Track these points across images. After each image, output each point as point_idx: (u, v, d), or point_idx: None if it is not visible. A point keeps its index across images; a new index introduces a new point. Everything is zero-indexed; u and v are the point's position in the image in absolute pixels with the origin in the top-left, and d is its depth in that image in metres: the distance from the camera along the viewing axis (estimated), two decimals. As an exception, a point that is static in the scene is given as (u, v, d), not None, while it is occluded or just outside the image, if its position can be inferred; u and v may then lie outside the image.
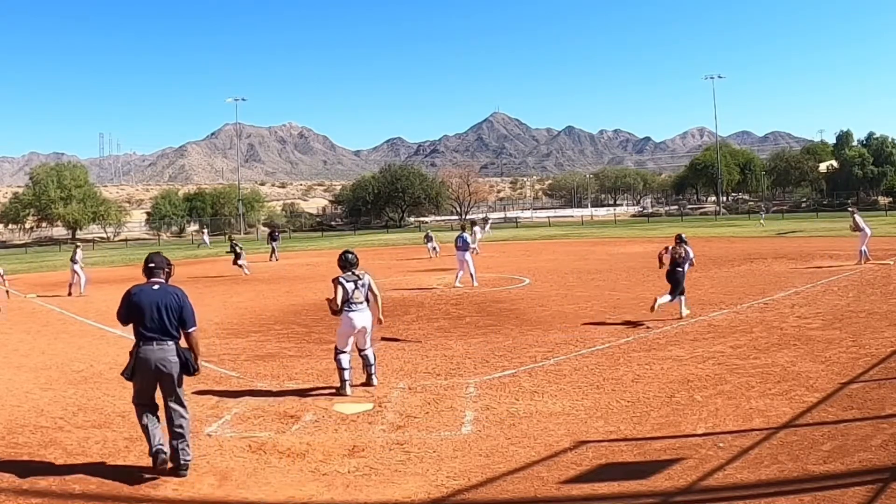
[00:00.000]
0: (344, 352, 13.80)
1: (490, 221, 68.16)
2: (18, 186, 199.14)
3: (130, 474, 9.77)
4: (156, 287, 9.92)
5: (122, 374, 10.09)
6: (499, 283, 32.04)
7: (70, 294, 33.90)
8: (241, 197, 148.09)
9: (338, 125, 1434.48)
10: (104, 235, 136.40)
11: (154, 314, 9.71)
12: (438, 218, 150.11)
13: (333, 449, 10.56)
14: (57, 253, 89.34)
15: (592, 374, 14.42)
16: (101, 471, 9.82)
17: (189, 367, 9.96)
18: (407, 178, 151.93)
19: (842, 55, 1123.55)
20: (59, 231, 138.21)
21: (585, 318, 21.58)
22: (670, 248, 21.51)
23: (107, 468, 10.00)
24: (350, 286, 13.81)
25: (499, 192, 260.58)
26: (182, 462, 9.69)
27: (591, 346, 17.29)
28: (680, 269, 21.18)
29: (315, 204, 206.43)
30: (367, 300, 14.08)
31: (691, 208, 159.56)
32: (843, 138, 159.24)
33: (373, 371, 14.22)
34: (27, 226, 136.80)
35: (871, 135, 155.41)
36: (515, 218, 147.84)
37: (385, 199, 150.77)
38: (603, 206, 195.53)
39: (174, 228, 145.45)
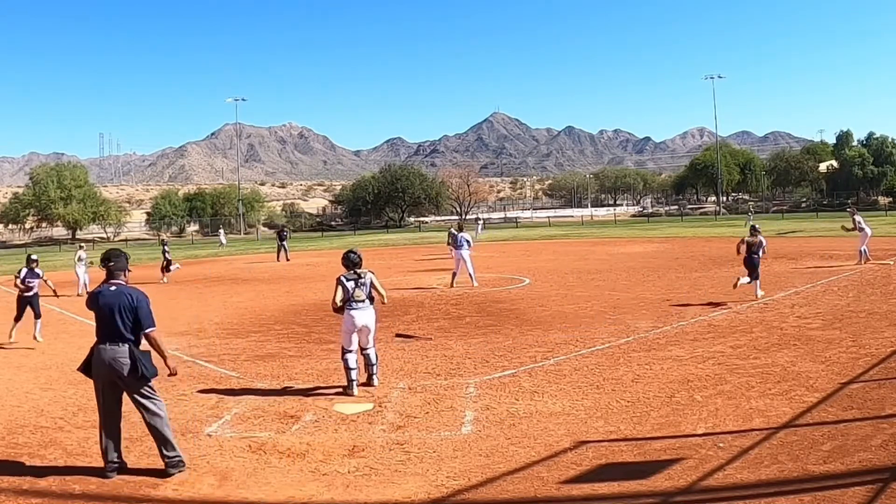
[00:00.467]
0: (350, 351, 13.85)
1: (482, 222, 67.59)
2: (18, 186, 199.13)
3: (130, 474, 9.78)
4: (112, 288, 9.90)
5: (78, 368, 10.22)
6: (499, 283, 32.03)
7: (79, 294, 33.93)
8: (241, 197, 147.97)
9: (338, 125, 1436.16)
10: (104, 235, 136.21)
11: (107, 316, 9.74)
12: (438, 218, 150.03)
13: (333, 449, 10.56)
14: (57, 253, 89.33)
15: (592, 374, 14.42)
16: (101, 471, 9.82)
17: (138, 369, 9.76)
18: (407, 179, 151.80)
19: (842, 55, 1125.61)
20: (60, 231, 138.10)
21: (585, 317, 21.56)
22: (746, 238, 24.45)
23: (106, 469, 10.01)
24: (350, 285, 13.91)
25: (499, 192, 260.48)
26: (166, 460, 9.72)
27: (591, 346, 17.29)
28: (755, 256, 23.97)
29: (315, 204, 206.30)
30: (371, 299, 14.11)
31: (691, 208, 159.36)
32: (843, 138, 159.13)
33: (374, 371, 14.21)
34: (27, 226, 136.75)
35: (871, 135, 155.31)
36: (515, 218, 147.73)
37: (385, 200, 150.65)
38: (603, 206, 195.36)
39: (174, 228, 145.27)
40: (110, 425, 9.80)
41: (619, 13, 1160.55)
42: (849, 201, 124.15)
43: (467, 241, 31.05)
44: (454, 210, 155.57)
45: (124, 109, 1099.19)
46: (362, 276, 14.10)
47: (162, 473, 9.62)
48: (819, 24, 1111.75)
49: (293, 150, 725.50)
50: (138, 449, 10.69)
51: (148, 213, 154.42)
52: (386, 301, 14.78)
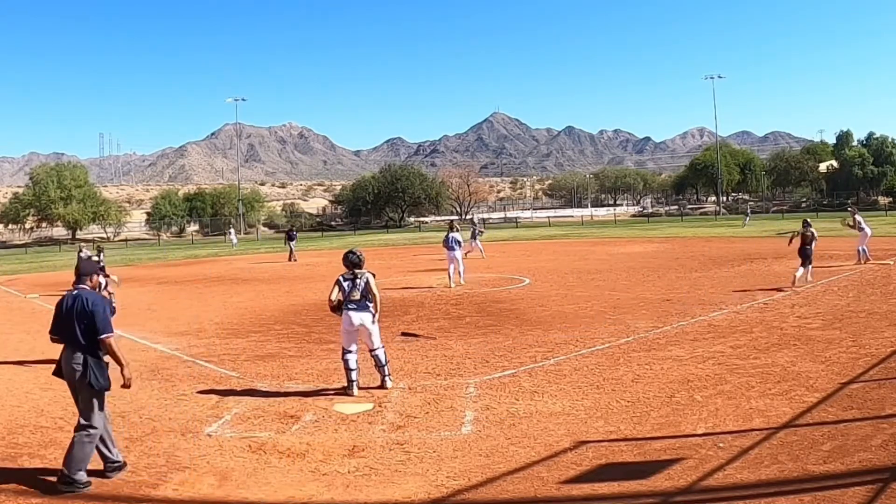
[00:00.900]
0: (350, 351, 13.84)
1: (477, 225, 67.22)
2: (18, 186, 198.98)
3: (130, 474, 9.78)
4: (74, 293, 9.88)
5: (53, 373, 10.24)
6: (499, 283, 32.05)
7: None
8: (241, 197, 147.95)
9: (338, 125, 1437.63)
10: (104, 235, 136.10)
11: (65, 321, 9.70)
12: (438, 218, 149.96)
13: (333, 449, 10.56)
14: (57, 253, 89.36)
15: (592, 374, 14.42)
16: (102, 471, 9.82)
17: (87, 376, 9.64)
18: (407, 178, 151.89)
19: (842, 55, 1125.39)
20: (59, 231, 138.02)
21: (585, 317, 21.56)
22: (800, 231, 27.53)
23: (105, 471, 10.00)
24: (347, 284, 13.97)
25: (499, 192, 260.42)
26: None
27: (591, 346, 17.29)
28: (808, 247, 26.86)
29: (315, 204, 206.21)
30: (367, 299, 14.05)
31: (691, 208, 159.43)
32: (843, 138, 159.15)
33: (386, 372, 14.14)
34: (27, 226, 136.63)
35: (871, 135, 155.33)
36: (515, 218, 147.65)
37: (385, 200, 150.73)
38: (603, 206, 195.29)
39: (174, 228, 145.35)
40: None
41: (619, 13, 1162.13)
42: (849, 201, 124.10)
43: (458, 242, 31.20)
44: (454, 210, 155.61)
45: (124, 109, 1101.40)
46: (359, 276, 14.07)
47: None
48: (819, 24, 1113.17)
49: (293, 150, 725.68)
50: (138, 449, 10.70)
51: (148, 213, 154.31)
52: (378, 307, 14.45)
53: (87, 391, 9.66)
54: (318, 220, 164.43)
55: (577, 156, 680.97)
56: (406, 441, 10.79)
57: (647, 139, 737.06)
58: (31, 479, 9.67)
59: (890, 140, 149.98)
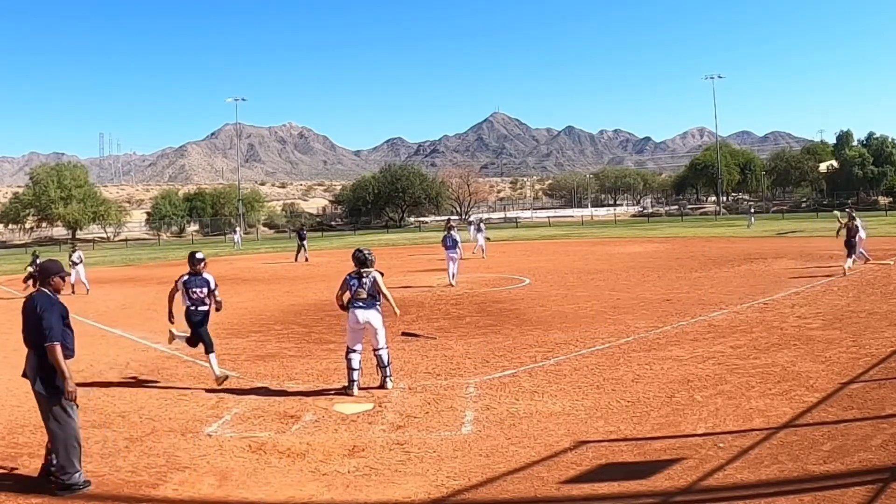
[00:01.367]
0: (354, 350, 13.87)
1: (474, 224, 66.68)
2: (18, 186, 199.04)
3: (131, 474, 9.78)
4: (34, 295, 9.82)
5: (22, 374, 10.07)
6: (499, 283, 32.07)
7: (73, 293, 34.08)
8: (241, 197, 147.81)
9: (338, 125, 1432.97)
10: (104, 235, 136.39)
11: (23, 324, 9.63)
12: (438, 218, 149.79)
13: (333, 449, 10.56)
14: (57, 253, 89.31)
15: (592, 374, 14.43)
16: (102, 471, 9.83)
17: (36, 381, 9.50)
18: (407, 178, 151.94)
19: (842, 55, 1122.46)
20: (60, 231, 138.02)
21: (585, 317, 21.60)
22: (846, 223, 30.53)
23: (107, 468, 10.01)
24: (354, 283, 14.01)
25: (499, 192, 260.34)
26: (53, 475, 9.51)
27: (592, 346, 17.31)
28: (853, 239, 29.71)
29: (315, 204, 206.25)
30: (374, 298, 14.08)
31: (691, 208, 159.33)
32: (843, 138, 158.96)
33: (388, 373, 14.16)
34: (27, 226, 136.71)
35: (871, 135, 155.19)
36: (515, 218, 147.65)
37: (385, 199, 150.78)
38: (603, 206, 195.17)
39: (174, 228, 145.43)
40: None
41: (619, 13, 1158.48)
42: (849, 202, 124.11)
43: (455, 241, 31.32)
44: (454, 210, 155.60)
45: (124, 109, 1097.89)
46: (366, 274, 14.10)
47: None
48: (819, 24, 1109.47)
49: (293, 150, 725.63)
50: (138, 449, 10.71)
51: (148, 213, 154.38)
52: (393, 305, 14.58)
53: (36, 396, 9.53)
54: (318, 220, 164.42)
55: (577, 156, 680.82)
56: (406, 441, 10.80)
57: (647, 139, 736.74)
58: (31, 478, 9.66)
59: (890, 140, 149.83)
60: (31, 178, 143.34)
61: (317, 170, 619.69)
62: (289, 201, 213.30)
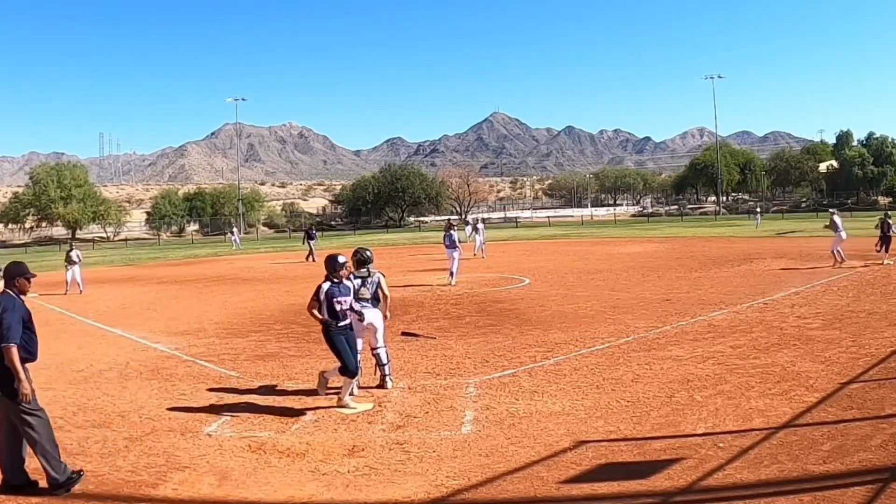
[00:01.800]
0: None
1: (471, 224, 66.13)
2: (18, 186, 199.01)
3: (130, 474, 9.79)
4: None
5: None
6: (499, 282, 32.05)
7: (66, 293, 34.20)
8: (241, 197, 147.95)
9: (338, 125, 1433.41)
10: (104, 235, 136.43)
11: None
12: (438, 218, 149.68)
13: (333, 449, 10.57)
14: (57, 253, 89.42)
15: (592, 374, 14.43)
16: (101, 470, 9.84)
17: (3, 386, 9.21)
18: (407, 178, 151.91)
19: (841, 55, 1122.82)
20: (59, 231, 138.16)
21: (585, 317, 21.58)
22: (884, 219, 33.48)
23: (107, 468, 10.01)
24: (357, 282, 13.92)
25: (499, 191, 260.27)
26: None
27: (591, 346, 17.30)
28: (889, 235, 32.38)
29: (315, 204, 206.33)
30: (377, 299, 14.16)
31: (691, 208, 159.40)
32: (843, 138, 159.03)
33: (387, 371, 14.16)
34: (27, 225, 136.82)
35: (870, 135, 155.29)
36: (515, 218, 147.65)
37: (385, 199, 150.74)
38: (603, 206, 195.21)
39: (174, 228, 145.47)
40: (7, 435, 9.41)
41: (620, 13, 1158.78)
42: (848, 201, 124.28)
43: (452, 240, 31.38)
44: (454, 210, 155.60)
45: (124, 109, 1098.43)
46: (371, 275, 14.18)
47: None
48: (819, 25, 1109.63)
49: (293, 149, 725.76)
50: (138, 449, 10.71)
51: (148, 213, 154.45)
52: (389, 303, 14.58)
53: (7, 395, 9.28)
54: (318, 219, 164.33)
55: (577, 156, 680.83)
56: (406, 441, 10.80)
57: (647, 139, 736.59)
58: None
59: (890, 140, 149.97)
60: (30, 178, 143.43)
61: (317, 169, 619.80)
62: (289, 201, 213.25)
